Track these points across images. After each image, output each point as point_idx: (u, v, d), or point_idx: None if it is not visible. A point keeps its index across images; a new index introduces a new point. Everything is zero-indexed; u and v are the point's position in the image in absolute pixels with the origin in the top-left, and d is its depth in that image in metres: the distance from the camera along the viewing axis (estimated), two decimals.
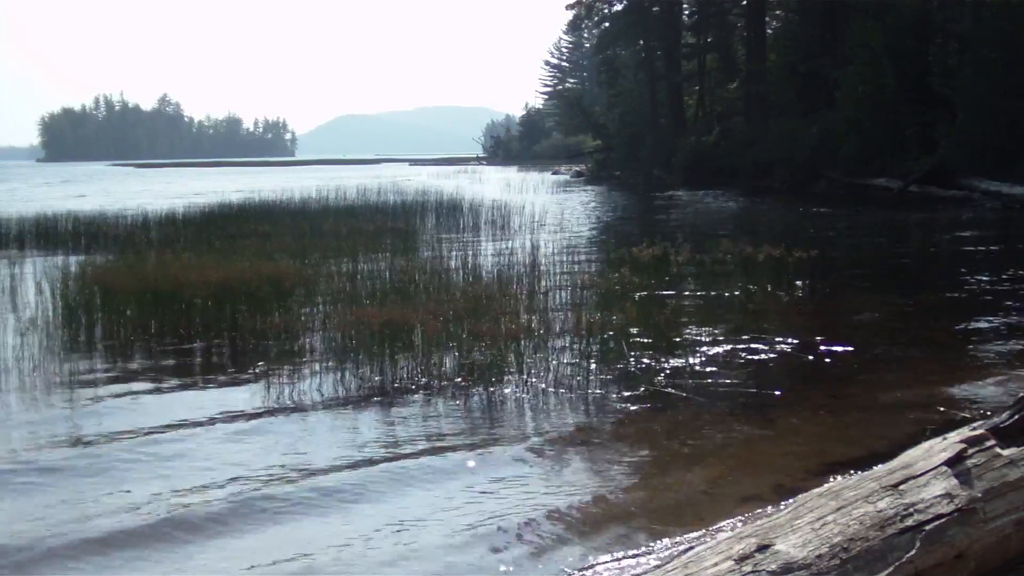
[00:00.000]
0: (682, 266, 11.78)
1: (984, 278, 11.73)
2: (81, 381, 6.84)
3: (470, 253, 11.16)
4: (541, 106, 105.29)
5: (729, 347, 7.53)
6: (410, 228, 16.68)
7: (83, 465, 5.07)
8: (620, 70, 55.56)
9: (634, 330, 7.58)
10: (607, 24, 55.30)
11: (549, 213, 21.17)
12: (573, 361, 6.73)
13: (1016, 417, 3.26)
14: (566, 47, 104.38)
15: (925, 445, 3.22)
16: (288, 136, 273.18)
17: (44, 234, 16.30)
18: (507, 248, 11.80)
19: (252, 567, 3.88)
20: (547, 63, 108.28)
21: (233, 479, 4.84)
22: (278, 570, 3.85)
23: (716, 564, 2.49)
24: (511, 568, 3.83)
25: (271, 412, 6.04)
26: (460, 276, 9.52)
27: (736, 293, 10.16)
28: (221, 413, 6.01)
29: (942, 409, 5.85)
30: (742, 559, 2.50)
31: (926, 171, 25.99)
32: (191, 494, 4.63)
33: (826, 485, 2.99)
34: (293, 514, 4.42)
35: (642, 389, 6.30)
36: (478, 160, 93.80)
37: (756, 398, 6.23)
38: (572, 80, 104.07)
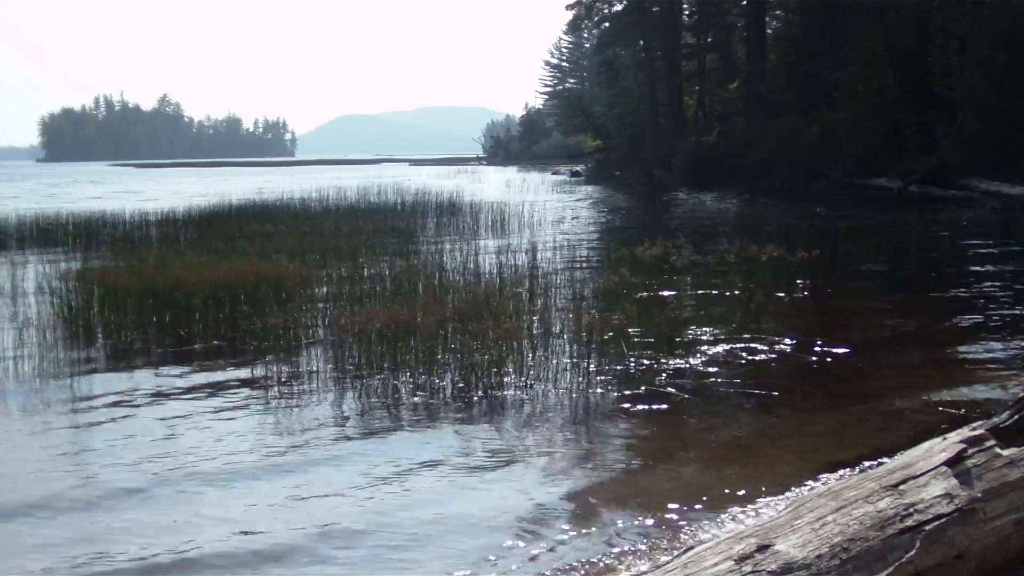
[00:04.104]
0: (683, 266, 11.79)
1: (984, 278, 11.73)
2: (79, 386, 6.84)
3: (470, 253, 11.16)
4: (541, 106, 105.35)
5: (729, 347, 7.53)
6: (410, 228, 16.69)
7: (81, 476, 5.07)
8: (620, 70, 55.56)
9: (634, 330, 7.58)
10: (607, 24, 55.31)
11: (549, 213, 21.17)
12: (573, 361, 6.73)
13: (1016, 417, 3.27)
14: (566, 47, 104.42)
15: (925, 445, 3.22)
16: (288, 136, 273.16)
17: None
18: (507, 248, 11.80)
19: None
20: (547, 63, 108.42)
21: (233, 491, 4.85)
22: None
23: (716, 564, 2.49)
24: (506, 566, 3.83)
25: (269, 414, 6.04)
26: (460, 276, 9.52)
27: (736, 293, 10.16)
28: (218, 418, 6.01)
29: (942, 409, 5.85)
30: (742, 559, 2.50)
31: (926, 171, 25.96)
32: (191, 511, 4.64)
33: (826, 485, 2.99)
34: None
35: (642, 389, 6.30)
36: (478, 160, 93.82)
37: (756, 398, 6.23)
38: (572, 80, 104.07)
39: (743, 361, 7.16)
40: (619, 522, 4.26)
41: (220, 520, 4.32)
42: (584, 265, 12.49)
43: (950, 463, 3.02)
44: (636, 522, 4.25)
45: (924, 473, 2.98)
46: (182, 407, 6.20)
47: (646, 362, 6.94)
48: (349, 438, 5.52)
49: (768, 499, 4.42)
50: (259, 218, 17.30)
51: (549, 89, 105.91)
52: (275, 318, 7.72)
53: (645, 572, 2.65)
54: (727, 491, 4.54)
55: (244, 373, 6.98)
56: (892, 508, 2.80)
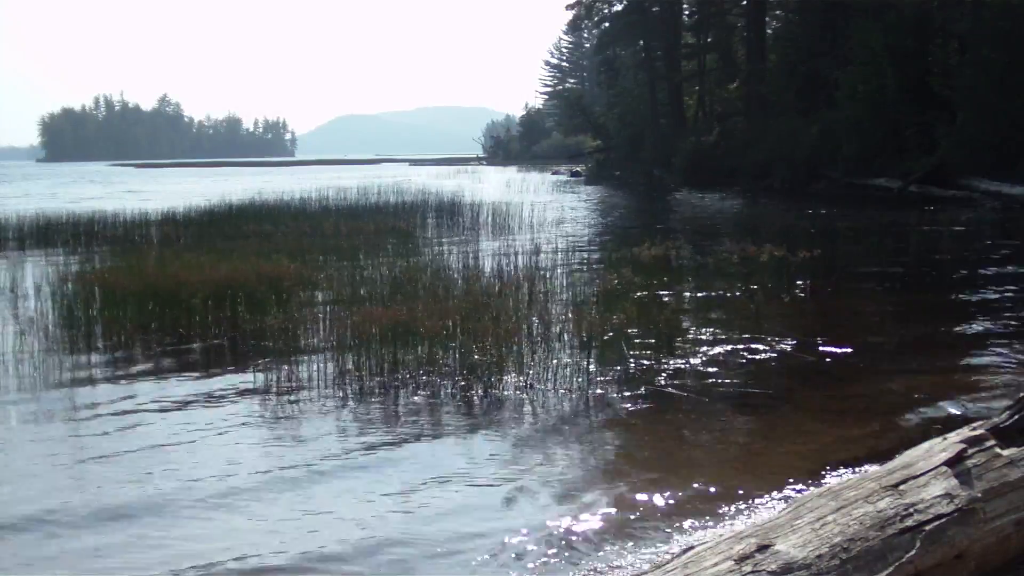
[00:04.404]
0: (683, 266, 11.80)
1: (984, 278, 11.73)
2: (79, 385, 6.84)
3: (470, 253, 11.16)
4: (541, 106, 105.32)
5: (729, 347, 7.53)
6: (410, 228, 16.69)
7: (79, 474, 5.07)
8: (620, 70, 55.54)
9: (634, 330, 7.59)
10: (607, 24, 55.30)
11: (549, 213, 21.17)
12: (573, 361, 6.73)
13: (1016, 417, 3.27)
14: (566, 47, 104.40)
15: (925, 445, 3.22)
16: (288, 136, 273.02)
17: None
18: (507, 248, 11.80)
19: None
20: (547, 63, 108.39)
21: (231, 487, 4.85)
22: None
23: (716, 564, 2.49)
24: (505, 567, 3.83)
25: (269, 414, 6.04)
26: (460, 276, 9.52)
27: (737, 293, 10.16)
28: (219, 417, 6.01)
29: (942, 409, 5.85)
30: (742, 559, 2.50)
31: (926, 171, 25.96)
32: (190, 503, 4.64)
33: (826, 485, 2.99)
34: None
35: (642, 389, 6.30)
36: (478, 160, 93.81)
37: (756, 398, 6.23)
38: (572, 80, 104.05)
39: (743, 361, 7.16)
40: (619, 522, 4.26)
41: (223, 536, 4.28)
42: (584, 265, 12.49)
43: (950, 463, 3.02)
44: (636, 522, 4.25)
45: (924, 473, 2.98)
46: (182, 412, 6.18)
47: (646, 362, 6.94)
48: (349, 441, 5.52)
49: (768, 499, 4.42)
50: (259, 218, 17.31)
51: (549, 89, 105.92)
52: (275, 318, 7.72)
53: (645, 572, 2.65)
54: (727, 491, 4.54)
55: (244, 375, 6.97)
56: (892, 508, 2.80)
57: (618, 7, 52.80)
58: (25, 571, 3.89)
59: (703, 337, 7.89)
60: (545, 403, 6.13)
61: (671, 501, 4.47)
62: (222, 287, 8.68)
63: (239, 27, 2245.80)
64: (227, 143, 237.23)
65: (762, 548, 2.55)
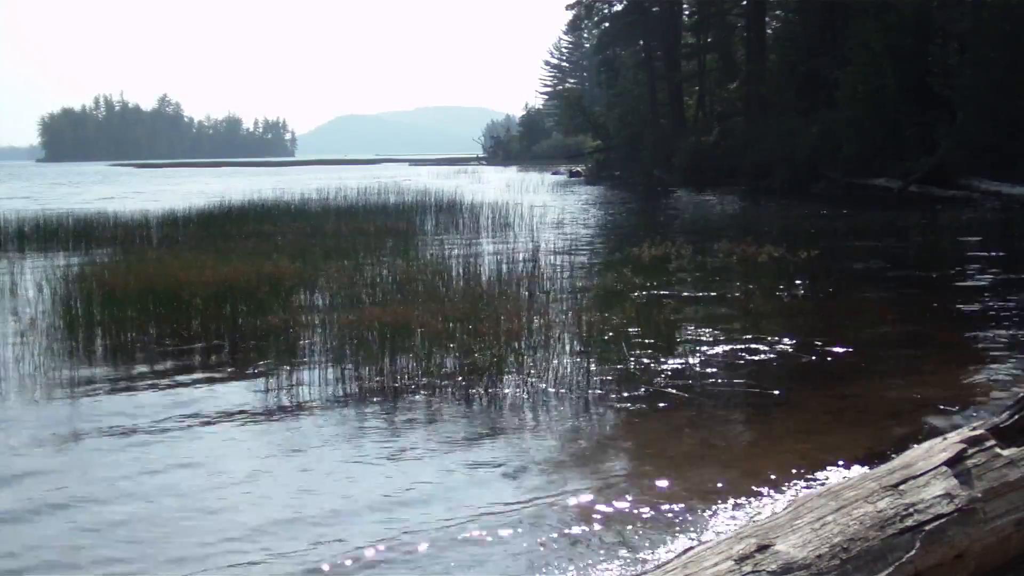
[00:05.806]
0: (682, 266, 11.80)
1: (984, 278, 11.73)
2: (80, 385, 6.84)
3: (470, 253, 11.17)
4: (541, 106, 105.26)
5: (729, 347, 7.53)
6: (410, 228, 16.69)
7: (80, 475, 5.07)
8: (620, 70, 55.50)
9: (634, 330, 7.59)
10: (607, 24, 55.30)
11: (549, 213, 21.17)
12: (573, 361, 6.73)
13: (1016, 417, 3.27)
14: (566, 47, 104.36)
15: (925, 445, 3.22)
16: (288, 136, 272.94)
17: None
18: (507, 248, 11.80)
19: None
20: (547, 63, 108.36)
21: (232, 488, 4.85)
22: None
23: (716, 564, 2.49)
24: (505, 567, 3.83)
25: (270, 415, 6.04)
26: (460, 276, 9.52)
27: (736, 293, 10.16)
28: (220, 418, 6.01)
29: (942, 409, 5.86)
30: (742, 559, 2.50)
31: (926, 171, 25.95)
32: (187, 507, 4.64)
33: (826, 485, 2.99)
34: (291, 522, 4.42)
35: (642, 389, 6.30)
36: (478, 160, 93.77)
37: (756, 398, 6.24)
38: (572, 80, 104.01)
39: (743, 361, 7.16)
40: (619, 522, 4.26)
41: (225, 541, 4.28)
42: (584, 265, 12.49)
43: (950, 463, 3.02)
44: (636, 521, 4.25)
45: (924, 473, 2.98)
46: (181, 413, 6.17)
47: (646, 362, 6.95)
48: (349, 441, 5.53)
49: (768, 499, 4.42)
50: (260, 218, 17.32)
51: (549, 89, 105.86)
52: (275, 319, 7.72)
53: (646, 572, 2.65)
54: (727, 491, 4.54)
55: (245, 375, 6.98)
56: (892, 508, 2.80)
57: (618, 7, 52.84)
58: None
59: (703, 337, 7.90)
60: (545, 403, 6.14)
61: (671, 501, 4.47)
62: (223, 287, 8.68)
63: (239, 27, 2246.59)
64: (227, 143, 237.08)
65: (762, 548, 2.55)
